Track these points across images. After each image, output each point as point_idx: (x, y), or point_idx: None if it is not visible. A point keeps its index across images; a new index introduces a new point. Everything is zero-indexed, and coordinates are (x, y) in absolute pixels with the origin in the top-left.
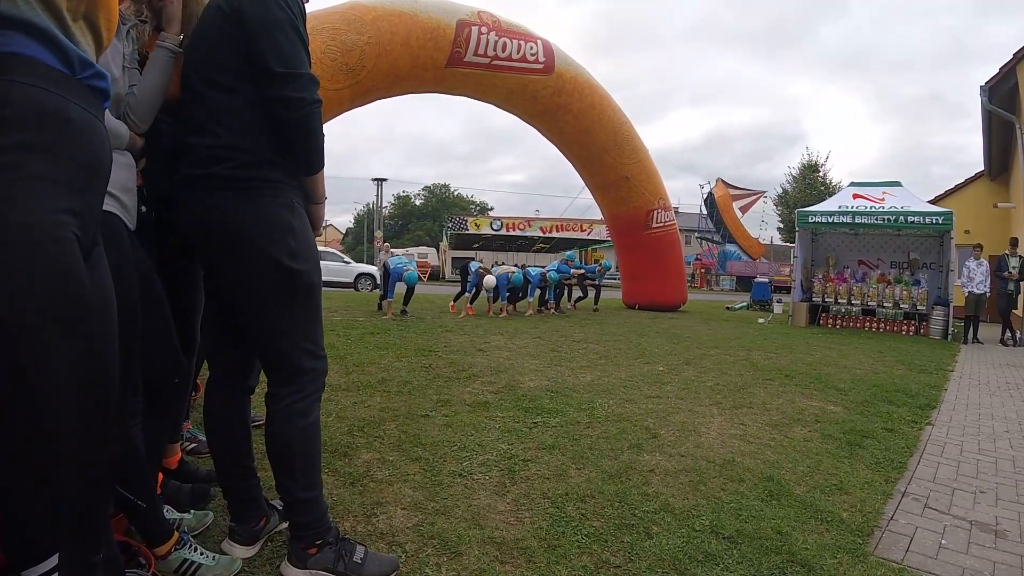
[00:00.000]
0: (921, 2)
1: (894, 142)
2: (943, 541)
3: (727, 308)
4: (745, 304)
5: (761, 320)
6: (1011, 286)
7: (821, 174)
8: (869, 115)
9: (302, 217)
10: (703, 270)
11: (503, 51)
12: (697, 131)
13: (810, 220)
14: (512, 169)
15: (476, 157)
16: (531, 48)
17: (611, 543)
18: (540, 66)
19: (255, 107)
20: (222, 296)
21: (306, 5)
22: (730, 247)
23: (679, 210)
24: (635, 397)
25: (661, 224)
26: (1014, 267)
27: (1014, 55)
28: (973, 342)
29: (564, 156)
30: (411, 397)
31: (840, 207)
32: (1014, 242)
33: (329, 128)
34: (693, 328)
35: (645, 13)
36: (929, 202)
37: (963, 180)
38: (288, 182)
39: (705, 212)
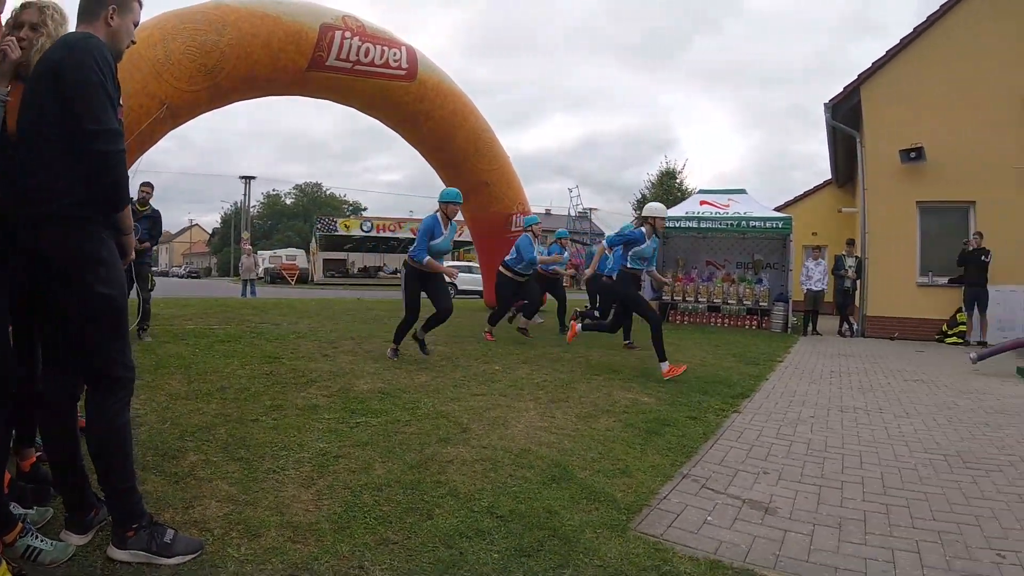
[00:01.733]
0: (792, 23)
1: (758, 150)
2: (709, 518)
3: (577, 311)
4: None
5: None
6: (847, 283)
7: (678, 181)
8: (736, 125)
9: (111, 249)
10: (573, 270)
11: (366, 56)
12: (572, 135)
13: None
14: (388, 168)
15: (351, 155)
16: (395, 54)
17: (395, 524)
18: (403, 72)
19: (71, 155)
20: (54, 317)
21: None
22: (595, 248)
23: (551, 212)
24: (461, 395)
25: (520, 228)
26: (850, 266)
27: (859, 76)
28: (812, 334)
29: (427, 161)
30: (246, 403)
31: (687, 213)
32: (850, 243)
33: (198, 122)
34: (544, 327)
35: (526, 18)
36: (780, 207)
37: (812, 187)
38: (99, 219)
39: (575, 214)
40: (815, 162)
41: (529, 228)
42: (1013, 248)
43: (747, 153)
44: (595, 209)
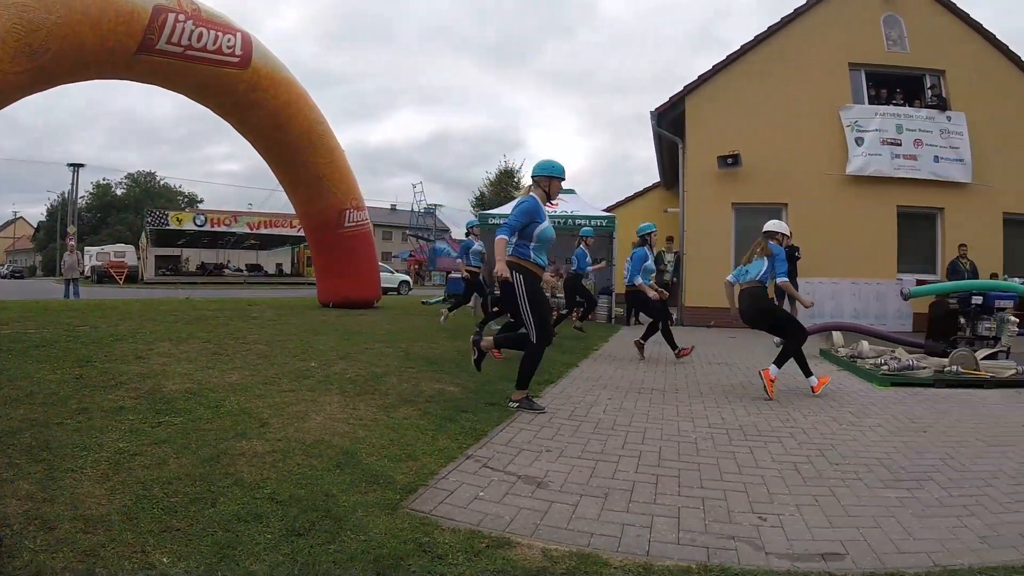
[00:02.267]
0: (643, 35)
1: (603, 153)
2: (481, 493)
3: (423, 303)
4: (442, 299)
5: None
6: (667, 276)
7: (516, 180)
8: (583, 129)
9: None
10: (416, 266)
11: (198, 41)
12: (422, 131)
13: (490, 222)
14: (229, 157)
15: (191, 142)
16: (228, 40)
17: (180, 513)
18: (236, 59)
19: None
20: None
21: None
22: (440, 244)
23: (396, 207)
24: (269, 392)
25: (354, 223)
26: (669, 261)
27: (684, 87)
28: (635, 323)
29: (259, 153)
30: (53, 408)
31: None
32: (670, 240)
33: (29, 101)
34: (377, 324)
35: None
36: (613, 206)
37: (642, 188)
38: None
39: (420, 210)
40: (653, 166)
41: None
42: (821, 246)
43: (591, 155)
44: (440, 206)
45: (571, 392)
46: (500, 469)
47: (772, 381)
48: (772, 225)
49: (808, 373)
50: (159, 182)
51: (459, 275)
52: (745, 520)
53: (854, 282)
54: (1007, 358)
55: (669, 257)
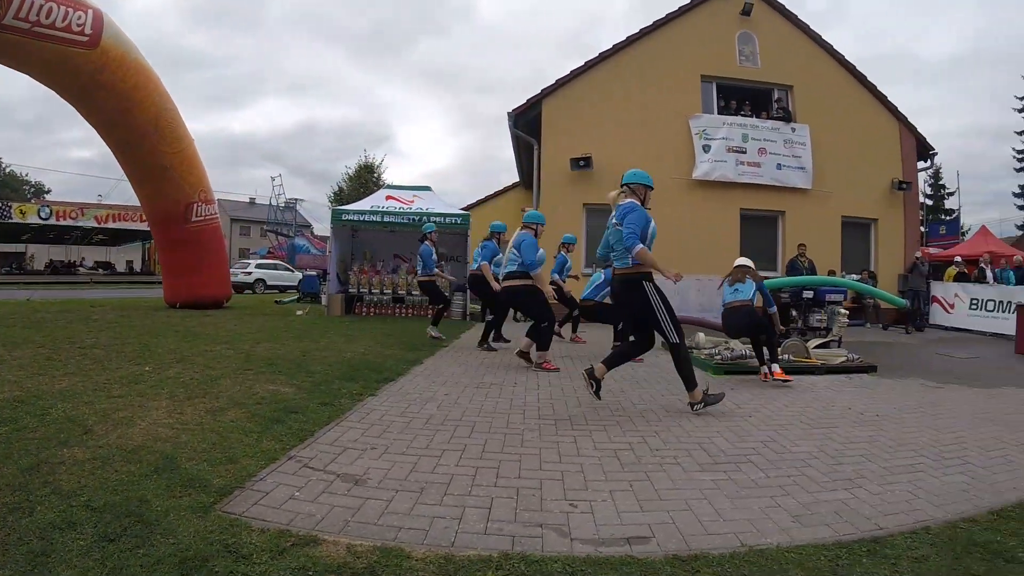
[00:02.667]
0: (515, 37)
1: (471, 152)
2: (297, 493)
3: (276, 302)
4: (296, 297)
5: (299, 312)
6: None
7: (376, 175)
8: (451, 127)
9: None
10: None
11: (47, 17)
12: (288, 120)
13: (343, 218)
14: (82, 143)
15: (42, 125)
16: (79, 17)
17: None
18: (85, 39)
19: None
20: None
21: None
22: (299, 241)
23: (255, 201)
24: (98, 399)
25: (202, 218)
26: None
27: (542, 90)
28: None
29: (103, 139)
30: None
31: (373, 207)
32: None
33: None
34: (224, 325)
35: None
36: (473, 204)
37: (503, 187)
38: None
39: (280, 204)
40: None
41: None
42: (668, 244)
43: (458, 154)
44: (301, 200)
45: (409, 389)
46: (320, 468)
47: (781, 372)
48: (746, 261)
49: (775, 359)
50: (4, 169)
51: (314, 273)
52: (556, 508)
53: (699, 278)
54: (839, 347)
55: None
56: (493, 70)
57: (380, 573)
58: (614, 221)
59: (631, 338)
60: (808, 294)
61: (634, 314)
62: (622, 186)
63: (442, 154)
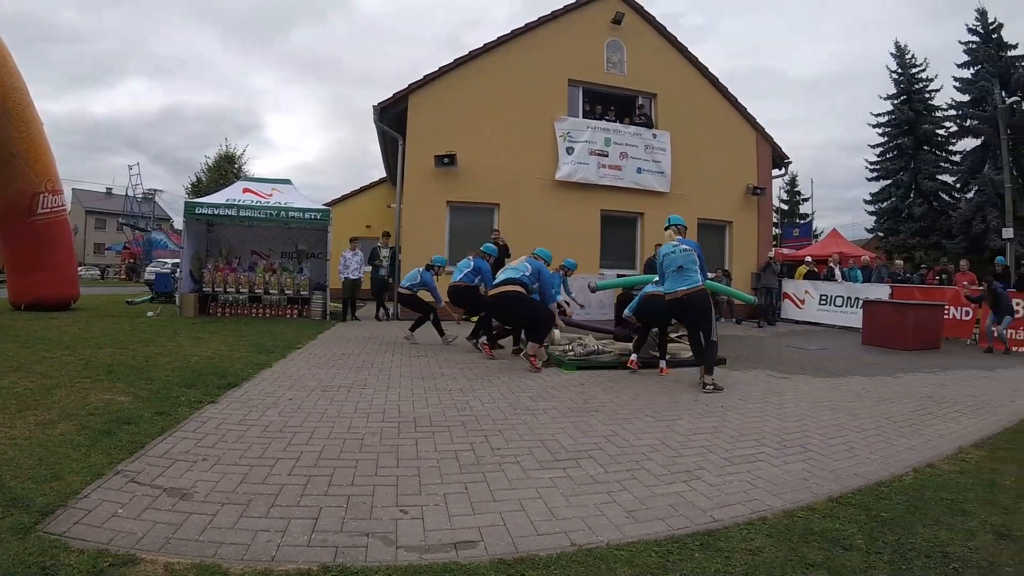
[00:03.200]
0: (394, 31)
1: (344, 145)
2: (120, 511)
3: (128, 302)
4: (149, 297)
5: (150, 313)
6: (382, 271)
7: (237, 167)
8: (325, 118)
9: None
10: (131, 260)
11: None
12: (154, 104)
13: (197, 212)
14: None
15: None
16: None
17: None
18: None
19: None
20: None
21: None
22: (156, 235)
23: (112, 191)
24: None
25: (48, 210)
26: (384, 256)
27: (409, 85)
28: (352, 319)
29: None
30: None
31: (228, 200)
32: (386, 235)
33: None
34: (68, 328)
35: None
36: (338, 200)
37: (369, 182)
38: None
39: (137, 195)
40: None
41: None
42: (531, 243)
43: (332, 147)
44: (160, 191)
45: (252, 395)
46: (147, 483)
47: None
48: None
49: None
50: None
51: (167, 271)
52: (386, 515)
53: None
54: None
55: (384, 252)
56: (369, 62)
57: None
58: (683, 247)
59: (690, 343)
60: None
61: (696, 320)
62: (669, 226)
63: (313, 146)
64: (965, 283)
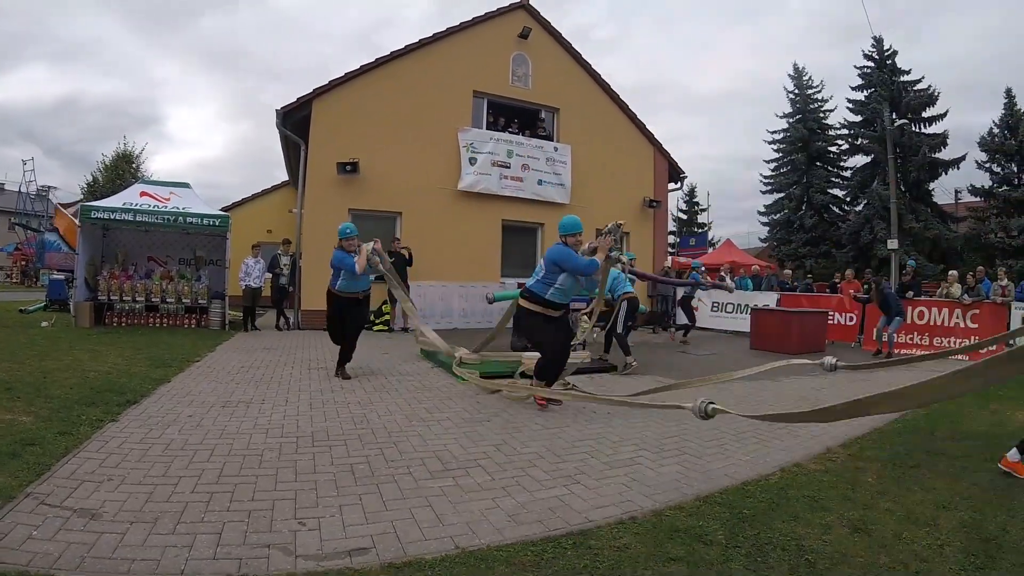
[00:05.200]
0: (305, 26)
1: (248, 142)
2: (35, 532)
3: (21, 311)
4: (42, 305)
5: (44, 323)
6: (283, 280)
7: (134, 166)
8: (228, 113)
9: None
10: (24, 263)
11: None
12: (52, 92)
13: (93, 216)
14: None
15: None
16: None
17: None
18: None
19: None
20: None
21: None
22: (50, 236)
23: (4, 187)
24: None
25: None
26: (285, 264)
27: (313, 90)
28: (252, 330)
29: None
30: None
31: (125, 204)
32: (286, 242)
33: None
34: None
35: None
36: (238, 203)
37: (271, 185)
38: None
39: (31, 191)
40: None
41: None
42: (433, 252)
43: (235, 144)
44: (54, 188)
45: (152, 412)
46: (57, 504)
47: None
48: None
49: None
50: None
51: (61, 277)
52: (285, 527)
53: (462, 285)
54: (583, 349)
55: (285, 260)
56: (278, 57)
57: None
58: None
59: None
60: None
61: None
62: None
63: (215, 142)
64: (851, 292)
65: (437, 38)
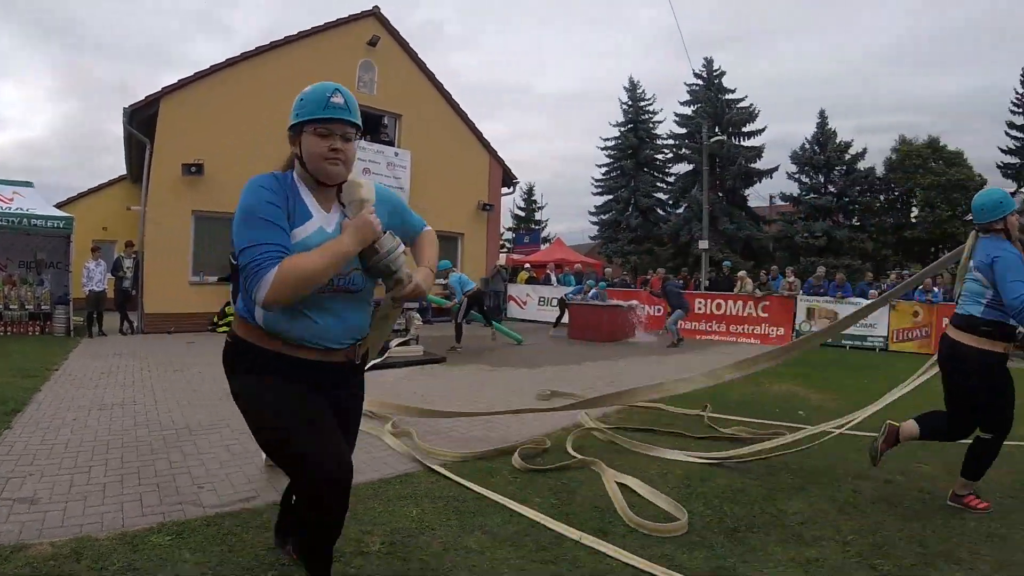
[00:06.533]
0: None
1: (74, 121)
2: None
3: None
4: None
5: None
6: (126, 283)
7: None
8: (54, 88)
9: None
10: None
11: None
12: None
13: None
14: None
15: None
16: None
17: None
18: None
19: None
20: None
21: None
22: None
23: None
24: None
25: None
26: (128, 267)
27: (162, 89)
28: (98, 335)
29: None
30: None
31: None
32: (129, 244)
33: None
34: None
35: None
36: (74, 198)
37: (107, 180)
38: None
39: None
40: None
41: None
42: None
43: (58, 122)
44: None
45: (39, 418)
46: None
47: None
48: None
49: None
50: None
51: None
52: (189, 492)
53: None
54: (416, 344)
55: (128, 263)
56: (112, 29)
57: None
58: None
59: None
60: None
61: None
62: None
63: (39, 121)
64: (648, 289)
65: (288, 41)
